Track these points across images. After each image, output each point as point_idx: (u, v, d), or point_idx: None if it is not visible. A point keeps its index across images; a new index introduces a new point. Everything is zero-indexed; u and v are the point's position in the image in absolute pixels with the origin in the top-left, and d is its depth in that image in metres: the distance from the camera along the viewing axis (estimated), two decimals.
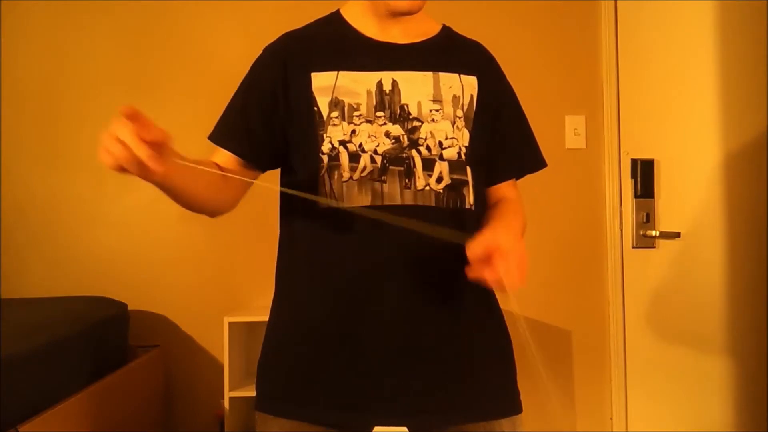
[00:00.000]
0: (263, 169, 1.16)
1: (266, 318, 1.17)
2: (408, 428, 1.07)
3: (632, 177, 2.39)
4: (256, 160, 1.14)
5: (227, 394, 2.10)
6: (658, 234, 2.36)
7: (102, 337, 2.01)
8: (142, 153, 0.78)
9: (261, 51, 1.17)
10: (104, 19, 2.44)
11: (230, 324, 2.10)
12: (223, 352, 2.10)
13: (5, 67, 2.42)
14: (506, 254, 0.92)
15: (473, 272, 0.94)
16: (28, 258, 2.40)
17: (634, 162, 2.39)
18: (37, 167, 2.42)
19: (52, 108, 2.43)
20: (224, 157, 1.13)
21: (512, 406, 1.11)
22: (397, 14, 1.11)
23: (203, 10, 2.45)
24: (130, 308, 2.26)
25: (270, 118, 1.11)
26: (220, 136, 1.14)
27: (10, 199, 2.40)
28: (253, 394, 1.14)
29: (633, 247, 2.40)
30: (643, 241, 2.39)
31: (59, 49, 2.44)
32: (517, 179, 1.23)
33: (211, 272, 2.41)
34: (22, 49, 2.43)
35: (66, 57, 2.44)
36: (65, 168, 2.42)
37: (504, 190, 1.20)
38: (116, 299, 2.25)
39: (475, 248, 0.93)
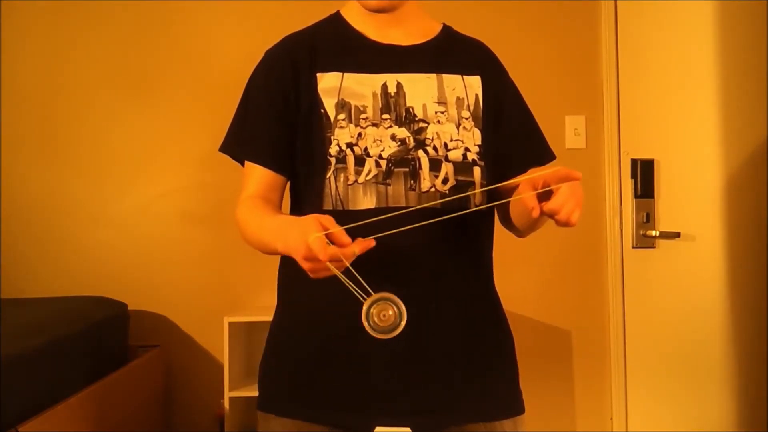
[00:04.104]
0: (289, 178, 1.13)
1: (266, 318, 1.17)
2: (410, 428, 1.07)
3: (632, 177, 2.39)
4: (288, 170, 1.11)
5: (227, 394, 2.09)
6: (658, 234, 2.36)
7: (102, 337, 2.02)
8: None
9: (263, 55, 1.14)
10: (104, 20, 2.44)
11: (230, 324, 2.10)
12: (223, 352, 2.10)
13: (5, 67, 2.41)
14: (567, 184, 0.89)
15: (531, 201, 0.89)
16: (28, 258, 2.39)
17: (634, 162, 2.39)
18: (37, 168, 2.42)
19: (52, 108, 2.43)
20: (259, 173, 1.09)
21: (514, 406, 1.11)
22: (371, 11, 1.11)
23: (203, 11, 2.44)
24: (130, 308, 2.26)
25: (285, 123, 1.09)
26: (253, 152, 1.10)
27: (10, 199, 2.40)
28: (253, 394, 1.14)
29: (633, 247, 2.40)
30: (643, 241, 2.39)
31: (59, 50, 2.44)
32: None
33: (211, 272, 2.41)
34: (22, 50, 2.43)
35: (66, 57, 2.44)
36: (65, 168, 2.42)
37: None
38: (116, 299, 2.24)
39: (533, 182, 0.91)
